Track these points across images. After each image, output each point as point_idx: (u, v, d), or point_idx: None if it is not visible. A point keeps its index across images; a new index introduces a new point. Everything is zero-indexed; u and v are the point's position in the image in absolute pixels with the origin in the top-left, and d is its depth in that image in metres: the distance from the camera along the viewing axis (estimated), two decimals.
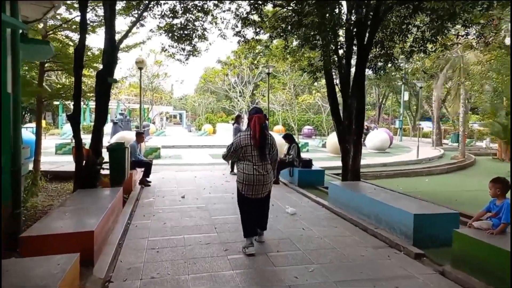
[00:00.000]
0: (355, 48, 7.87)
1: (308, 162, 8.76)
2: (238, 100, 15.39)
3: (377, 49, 7.89)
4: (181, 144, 20.37)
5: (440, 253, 4.13)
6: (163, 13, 9.00)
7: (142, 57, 10.66)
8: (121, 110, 25.92)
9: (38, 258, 3.00)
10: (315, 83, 27.28)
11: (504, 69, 12.43)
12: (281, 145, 13.37)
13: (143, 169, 8.66)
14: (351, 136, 7.61)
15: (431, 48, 7.73)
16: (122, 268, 3.84)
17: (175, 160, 14.08)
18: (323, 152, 17.30)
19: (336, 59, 7.84)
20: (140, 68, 10.67)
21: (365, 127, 30.32)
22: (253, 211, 4.36)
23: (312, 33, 8.65)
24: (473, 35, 7.06)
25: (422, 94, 34.51)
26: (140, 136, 8.81)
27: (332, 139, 15.51)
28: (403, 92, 27.36)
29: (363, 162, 13.29)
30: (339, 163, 12.23)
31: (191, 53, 9.83)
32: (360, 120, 7.49)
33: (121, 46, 8.90)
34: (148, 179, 8.74)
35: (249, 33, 9.45)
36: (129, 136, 13.49)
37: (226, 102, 34.19)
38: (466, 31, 7.16)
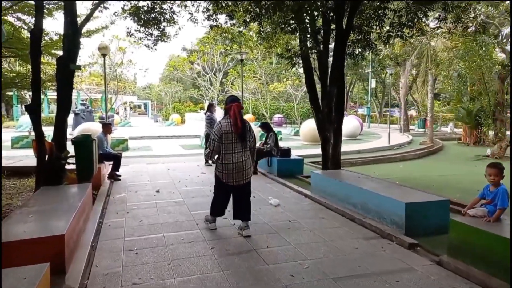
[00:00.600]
0: (333, 33, 7.68)
1: (287, 151, 8.55)
2: (208, 89, 14.86)
3: (355, 35, 7.73)
4: (149, 135, 19.62)
5: (434, 242, 4.04)
6: None
7: (105, 43, 9.92)
8: (82, 100, 24.56)
9: None
10: (283, 71, 27.11)
11: (469, 56, 12.77)
12: (256, 134, 13.14)
13: (111, 162, 8.10)
14: (331, 124, 7.45)
15: (408, 33, 7.67)
16: (98, 274, 3.44)
17: (144, 151, 13.46)
18: (296, 140, 17.21)
19: (314, 44, 7.60)
20: (104, 55, 9.94)
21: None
22: (227, 196, 4.54)
23: (288, 17, 8.38)
24: (451, 20, 7.04)
25: (388, 81, 35.41)
26: (107, 127, 8.21)
27: (306, 127, 15.44)
28: (370, 79, 27.81)
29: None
30: (314, 151, 12.20)
31: (159, 38, 9.24)
32: (340, 107, 7.34)
33: (82, 31, 8.23)
34: (117, 172, 8.20)
35: (222, 17, 9.04)
36: (93, 127, 12.72)
37: (194, 91, 33.32)
38: (442, 15, 7.13)
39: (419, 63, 18.84)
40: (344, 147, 13.90)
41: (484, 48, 12.05)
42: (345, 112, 30.39)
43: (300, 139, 16.16)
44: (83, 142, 6.25)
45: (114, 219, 5.19)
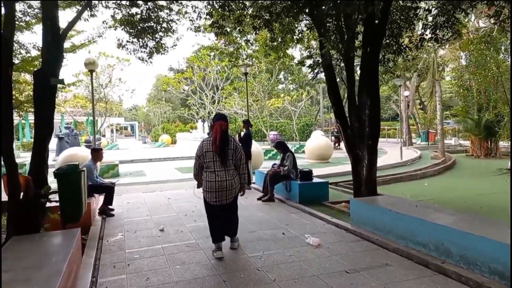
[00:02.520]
0: (359, 38, 6.69)
1: (308, 174, 7.40)
2: (199, 107, 13.73)
3: (385, 38, 6.74)
4: (140, 158, 18.24)
5: None
6: (119, 1, 7.26)
7: (92, 58, 8.73)
8: (67, 124, 23.10)
9: None
10: (278, 87, 26.29)
11: (483, 64, 12.03)
12: (258, 154, 11.96)
13: (102, 194, 6.81)
14: (363, 141, 6.35)
15: (444, 35, 6.73)
16: None
17: (138, 177, 12.10)
18: (300, 158, 16.08)
19: (343, 49, 6.57)
20: (91, 71, 8.74)
21: (336, 129, 29.87)
22: (219, 218, 4.43)
23: (298, 23, 7.42)
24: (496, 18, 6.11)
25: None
26: (97, 153, 6.94)
27: (312, 144, 14.35)
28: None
29: (347, 169, 12.28)
30: (324, 170, 11.05)
31: (155, 49, 8.11)
32: (376, 121, 6.26)
33: (66, 45, 7.08)
34: (110, 206, 6.90)
35: (226, 26, 7.99)
36: (80, 153, 11.38)
37: (183, 110, 32.13)
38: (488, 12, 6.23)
39: (421, 74, 18.24)
40: (347, 166, 12.88)
41: (501, 55, 11.36)
42: None
43: (305, 157, 15.06)
44: (69, 175, 4.97)
45: (112, 277, 3.90)
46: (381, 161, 13.71)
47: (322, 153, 14.03)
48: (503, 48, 11.64)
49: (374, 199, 5.55)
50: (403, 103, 21.22)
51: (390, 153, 16.89)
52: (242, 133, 8.90)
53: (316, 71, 6.92)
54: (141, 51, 7.90)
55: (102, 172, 11.97)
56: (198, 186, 4.71)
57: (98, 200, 6.97)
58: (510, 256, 3.02)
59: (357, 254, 4.35)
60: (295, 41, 8.16)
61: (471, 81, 13.65)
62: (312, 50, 7.25)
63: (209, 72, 13.30)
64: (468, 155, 17.46)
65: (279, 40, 8.08)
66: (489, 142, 16.36)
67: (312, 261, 4.15)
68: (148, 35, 7.76)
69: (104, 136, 37.38)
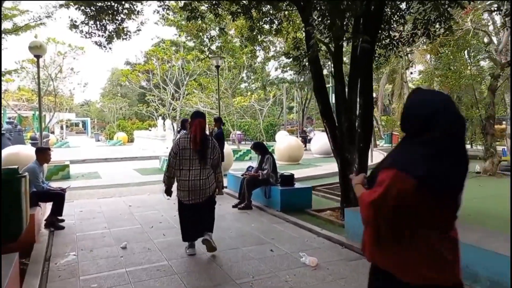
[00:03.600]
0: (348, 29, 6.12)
1: (290, 179, 6.72)
2: (167, 103, 12.64)
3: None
4: (94, 158, 16.70)
5: None
6: None
7: (39, 41, 7.46)
8: (9, 118, 20.85)
9: None
10: (242, 85, 25.51)
11: (456, 67, 12.05)
12: (228, 155, 11.14)
13: (49, 202, 5.71)
14: (353, 143, 5.79)
15: (435, 31, 6.34)
16: None
17: (92, 180, 10.81)
18: None
19: (329, 42, 5.96)
20: (37, 57, 7.47)
21: (302, 130, 29.60)
22: (192, 217, 4.28)
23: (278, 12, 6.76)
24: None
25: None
26: (44, 154, 5.80)
27: (282, 144, 13.74)
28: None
29: (327, 170, 11.83)
30: (297, 173, 10.46)
31: (115, 34, 7.06)
32: (368, 121, 5.72)
33: (6, 27, 5.91)
34: (60, 217, 5.81)
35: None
36: (24, 152, 9.93)
37: (141, 107, 30.41)
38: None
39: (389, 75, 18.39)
40: (329, 167, 12.42)
41: (474, 58, 11.42)
42: (310, 128, 29.44)
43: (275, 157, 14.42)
44: (6, 182, 3.91)
45: None
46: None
47: (293, 154, 13.48)
48: (470, 50, 11.70)
49: None
50: None
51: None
52: (213, 132, 8.06)
53: (302, 64, 6.25)
54: (99, 35, 6.82)
55: (51, 173, 10.59)
56: (168, 192, 4.46)
57: (45, 210, 5.84)
58: (510, 264, 2.85)
59: (363, 276, 3.72)
60: (274, 32, 7.47)
61: (441, 84, 13.71)
62: (297, 42, 6.57)
63: (173, 65, 12.27)
64: None
65: (256, 30, 7.34)
66: None
67: (310, 285, 3.47)
68: (107, 17, 6.71)
69: (53, 133, 34.58)
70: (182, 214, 4.36)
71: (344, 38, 6.02)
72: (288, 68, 32.95)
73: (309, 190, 6.68)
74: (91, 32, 6.76)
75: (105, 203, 7.40)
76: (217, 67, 8.90)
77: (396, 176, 1.41)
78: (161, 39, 37.74)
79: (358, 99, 5.76)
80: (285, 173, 6.84)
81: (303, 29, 7.86)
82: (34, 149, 7.72)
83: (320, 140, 16.69)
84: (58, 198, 5.65)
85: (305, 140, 20.89)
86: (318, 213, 6.30)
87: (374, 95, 22.47)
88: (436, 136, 1.43)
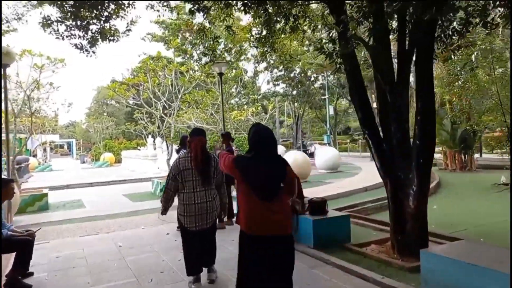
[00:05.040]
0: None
1: (321, 205, 5.40)
2: (159, 120, 11.31)
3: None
4: (77, 183, 15.09)
5: None
6: None
7: (5, 47, 6.08)
8: None
9: None
10: (232, 100, 24.08)
11: (479, 68, 11.16)
12: None
13: (13, 254, 4.25)
14: (407, 158, 4.54)
15: (492, 19, 5.21)
16: None
17: (74, 211, 9.26)
18: None
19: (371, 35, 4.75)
20: (3, 66, 6.09)
21: (302, 144, 28.38)
22: (197, 245, 3.92)
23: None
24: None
25: (341, 108, 34.47)
26: (5, 187, 4.37)
27: (288, 161, 12.38)
28: (328, 106, 26.23)
29: (341, 188, 10.52)
30: (307, 192, 9.15)
31: (99, 35, 5.74)
32: (430, 128, 4.48)
33: None
34: (29, 270, 4.37)
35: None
36: None
37: (129, 125, 28.90)
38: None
39: None
40: (341, 185, 10.99)
41: (497, 59, 10.47)
42: (309, 141, 28.31)
43: None
44: None
45: None
46: (365, 179, 12.18)
47: (300, 171, 12.15)
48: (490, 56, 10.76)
49: (461, 247, 3.64)
50: None
51: (366, 169, 15.56)
52: (219, 151, 6.71)
53: (335, 61, 5.01)
54: (79, 36, 5.49)
55: (25, 204, 9.06)
56: (164, 212, 4.17)
57: (7, 263, 4.38)
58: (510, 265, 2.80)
59: None
60: (289, 30, 6.27)
61: (462, 90, 12.74)
62: (324, 37, 5.38)
63: (165, 78, 11.00)
64: (441, 169, 16.66)
65: (272, 25, 6.12)
66: (463, 155, 15.68)
67: None
68: (89, 13, 5.40)
69: (35, 156, 32.67)
70: (188, 244, 3.96)
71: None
72: (280, 81, 32.10)
73: (347, 220, 5.34)
74: (70, 32, 5.42)
75: (89, 243, 5.93)
76: (221, 74, 7.63)
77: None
78: (149, 55, 36.62)
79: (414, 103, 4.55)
80: (314, 199, 5.53)
81: (326, 27, 6.72)
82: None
83: (325, 154, 15.48)
84: (23, 247, 4.21)
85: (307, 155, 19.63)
86: (361, 248, 4.98)
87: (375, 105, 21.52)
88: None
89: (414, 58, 4.71)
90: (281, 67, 30.73)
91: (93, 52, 5.85)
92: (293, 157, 12.39)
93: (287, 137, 41.70)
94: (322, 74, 28.97)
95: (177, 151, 7.02)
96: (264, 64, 31.70)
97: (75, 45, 5.70)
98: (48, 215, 8.77)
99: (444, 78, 12.91)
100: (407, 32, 4.76)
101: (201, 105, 14.33)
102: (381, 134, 4.94)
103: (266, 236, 2.62)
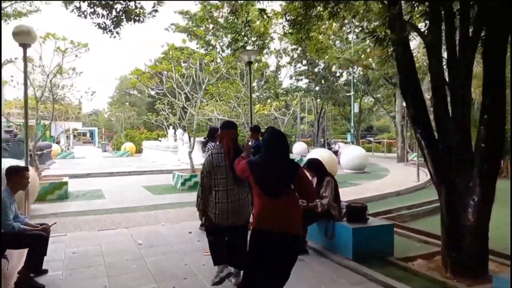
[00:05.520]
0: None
1: (361, 211, 4.85)
2: (185, 110, 10.88)
3: None
4: (98, 172, 14.96)
5: None
6: None
7: (24, 25, 5.74)
8: (8, 127, 19.26)
9: None
10: (254, 94, 23.43)
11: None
12: None
13: (25, 250, 3.90)
14: (468, 162, 3.94)
15: None
16: None
17: (93, 202, 8.99)
18: None
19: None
20: (24, 46, 5.78)
21: (326, 141, 27.67)
22: (227, 239, 3.74)
23: None
24: None
25: (364, 106, 33.42)
26: (19, 176, 4.01)
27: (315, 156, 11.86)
28: (353, 103, 25.37)
29: (370, 191, 9.87)
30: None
31: (124, 15, 5.33)
32: (500, 129, 3.86)
33: None
34: (43, 267, 4.03)
35: None
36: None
37: (151, 116, 28.83)
38: None
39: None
40: (369, 188, 10.24)
41: None
42: (335, 139, 27.52)
43: None
44: None
45: None
46: (395, 182, 11.48)
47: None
48: None
49: None
50: (399, 114, 19.45)
51: (394, 172, 14.82)
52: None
53: (387, 46, 4.42)
54: (103, 15, 5.09)
55: (45, 192, 8.86)
56: (205, 222, 3.80)
57: (19, 259, 4.04)
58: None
59: None
60: (328, 16, 5.70)
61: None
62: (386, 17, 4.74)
63: (190, 67, 10.60)
64: None
65: (306, 12, 5.57)
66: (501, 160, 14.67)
67: None
68: None
69: (58, 143, 33.13)
70: (215, 237, 3.76)
71: None
72: (303, 76, 31.32)
73: (390, 229, 4.77)
74: (93, 10, 5.03)
75: (107, 239, 5.58)
76: (249, 63, 7.13)
77: None
78: (173, 43, 36.39)
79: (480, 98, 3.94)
80: (354, 204, 4.98)
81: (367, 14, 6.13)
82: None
83: (351, 153, 14.81)
84: (36, 243, 3.85)
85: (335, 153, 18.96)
86: (407, 263, 4.42)
87: (397, 102, 20.47)
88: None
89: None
90: (305, 62, 30.03)
91: (117, 33, 5.46)
92: (318, 155, 11.78)
93: (307, 133, 40.89)
94: (347, 70, 28.10)
95: (204, 144, 6.58)
96: (287, 59, 31.09)
97: (98, 24, 5.31)
98: (67, 204, 8.53)
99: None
100: (470, 16, 4.14)
101: (225, 97, 13.88)
102: (435, 135, 4.34)
103: (272, 231, 2.77)
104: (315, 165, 5.15)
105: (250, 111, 7.81)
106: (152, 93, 15.17)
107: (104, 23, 5.16)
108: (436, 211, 8.11)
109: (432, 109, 4.35)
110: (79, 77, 10.39)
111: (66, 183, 9.40)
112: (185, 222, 6.54)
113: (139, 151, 28.86)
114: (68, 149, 32.66)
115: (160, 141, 23.50)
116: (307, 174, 5.23)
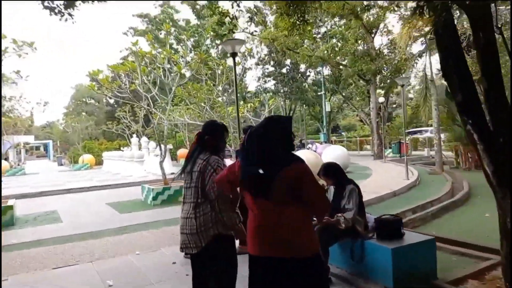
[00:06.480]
0: None
1: (396, 225, 3.89)
2: (153, 116, 9.52)
3: None
4: (53, 189, 13.16)
5: None
6: None
7: None
8: None
9: None
10: (219, 98, 22.64)
11: None
12: None
13: None
14: None
15: None
16: None
17: (46, 228, 7.44)
18: None
19: None
20: None
21: (301, 142, 26.88)
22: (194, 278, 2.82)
23: None
24: None
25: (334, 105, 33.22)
26: None
27: (328, 155, 11.02)
28: (324, 102, 24.86)
29: (364, 195, 8.86)
30: None
31: None
32: None
33: None
34: None
35: None
36: None
37: (111, 124, 26.81)
38: None
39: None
40: (364, 190, 8.81)
41: None
42: (311, 140, 26.86)
43: None
44: None
45: None
46: (385, 181, 10.78)
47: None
48: None
49: None
50: (374, 110, 19.08)
51: (376, 170, 14.25)
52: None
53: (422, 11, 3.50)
54: None
55: None
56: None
57: None
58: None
59: None
60: None
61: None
62: None
63: (157, 66, 9.33)
64: (452, 167, 15.52)
65: None
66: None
67: None
68: None
69: (6, 159, 30.16)
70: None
71: None
72: (271, 77, 30.64)
73: (432, 245, 3.83)
74: None
75: (66, 280, 4.26)
76: (234, 54, 6.04)
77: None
78: (130, 49, 34.49)
79: None
80: (384, 216, 4.02)
81: None
82: None
83: (333, 153, 14.08)
84: None
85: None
86: (458, 286, 3.52)
87: (382, 99, 20.12)
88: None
89: None
90: (272, 63, 29.33)
91: (69, 14, 4.18)
92: (303, 157, 10.88)
93: None
94: (316, 69, 27.69)
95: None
96: (254, 60, 30.28)
97: (46, 7, 4.02)
98: (12, 234, 6.98)
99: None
100: None
101: (196, 99, 12.65)
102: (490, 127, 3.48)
103: (264, 257, 2.18)
104: (333, 172, 4.14)
105: (237, 109, 6.70)
106: (111, 101, 13.65)
107: (53, 4, 3.89)
108: (441, 212, 7.45)
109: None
110: (27, 84, 8.79)
111: (11, 207, 7.79)
112: (165, 248, 5.33)
113: (99, 163, 26.85)
114: (18, 165, 29.78)
115: (122, 151, 21.72)
116: (322, 181, 4.28)
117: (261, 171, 2.16)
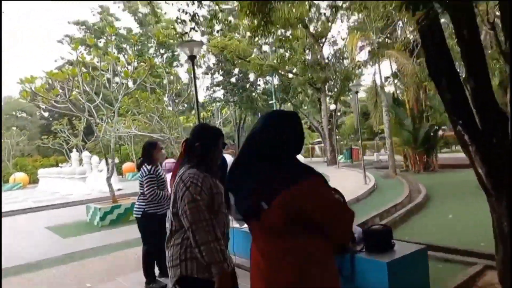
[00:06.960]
0: None
1: (385, 236, 3.60)
2: (97, 126, 8.50)
3: None
4: None
5: None
6: None
7: None
8: None
9: None
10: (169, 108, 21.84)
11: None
12: None
13: None
14: None
15: None
16: None
17: None
18: None
19: None
20: None
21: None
22: None
23: None
24: None
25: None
26: None
27: None
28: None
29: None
30: None
31: None
32: None
33: None
34: None
35: None
36: None
37: (47, 139, 24.55)
38: None
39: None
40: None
41: None
42: None
43: None
44: None
45: None
46: (343, 188, 10.76)
47: None
48: None
49: None
50: (325, 118, 19.38)
51: (332, 174, 14.33)
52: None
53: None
54: None
55: None
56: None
57: None
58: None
59: None
60: None
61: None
62: None
63: (101, 73, 8.47)
64: (402, 170, 16.12)
65: None
66: (425, 155, 15.29)
67: None
68: None
69: None
70: None
71: None
72: (220, 86, 30.28)
73: (424, 255, 3.60)
74: None
75: None
76: (192, 57, 5.51)
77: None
78: (67, 60, 32.26)
79: None
80: (373, 226, 3.72)
81: None
82: None
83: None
84: None
85: None
86: None
87: (333, 106, 20.54)
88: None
89: None
90: (222, 72, 28.97)
91: None
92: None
93: (229, 145, 39.87)
94: (265, 78, 27.78)
95: (139, 166, 4.72)
96: (201, 69, 29.71)
97: None
98: None
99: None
100: None
101: (144, 109, 11.81)
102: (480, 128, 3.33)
103: None
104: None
105: (197, 114, 6.13)
106: (46, 114, 12.32)
107: None
108: (407, 216, 7.46)
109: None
110: None
111: None
112: (122, 278, 4.61)
113: (34, 181, 24.45)
114: None
115: (61, 167, 19.92)
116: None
117: (265, 206, 1.55)
